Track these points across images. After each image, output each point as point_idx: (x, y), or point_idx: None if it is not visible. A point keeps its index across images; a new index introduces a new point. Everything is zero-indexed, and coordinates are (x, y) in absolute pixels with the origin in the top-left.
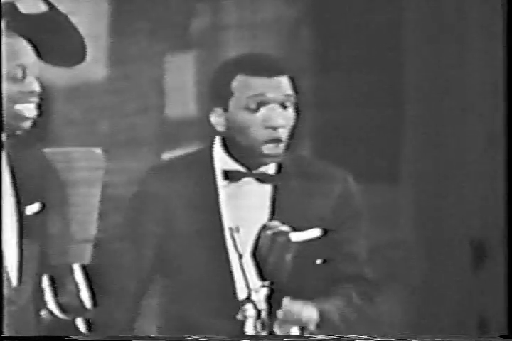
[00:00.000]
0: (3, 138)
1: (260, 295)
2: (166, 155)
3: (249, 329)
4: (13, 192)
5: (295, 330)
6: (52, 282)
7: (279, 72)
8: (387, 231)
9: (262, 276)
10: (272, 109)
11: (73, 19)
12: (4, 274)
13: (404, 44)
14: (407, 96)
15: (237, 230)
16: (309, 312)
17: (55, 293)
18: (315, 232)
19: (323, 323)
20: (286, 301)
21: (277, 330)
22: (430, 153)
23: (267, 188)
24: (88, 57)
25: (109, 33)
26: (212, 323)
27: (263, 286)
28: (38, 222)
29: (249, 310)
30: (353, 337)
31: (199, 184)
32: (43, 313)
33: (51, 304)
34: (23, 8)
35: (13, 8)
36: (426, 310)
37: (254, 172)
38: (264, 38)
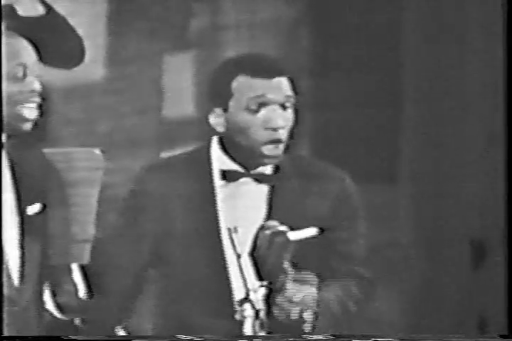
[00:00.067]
0: (3, 138)
1: (258, 295)
2: (165, 155)
3: (248, 329)
4: (13, 192)
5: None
6: (51, 282)
7: (279, 73)
8: (386, 231)
9: (260, 276)
10: (272, 110)
11: (71, 20)
12: (5, 274)
13: (404, 44)
14: (406, 97)
15: (236, 230)
16: (310, 293)
17: (54, 293)
18: (312, 231)
19: (323, 311)
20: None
21: (277, 313)
22: (430, 153)
23: (265, 188)
24: (86, 58)
25: (108, 33)
26: (210, 323)
27: (261, 286)
28: (39, 222)
29: (248, 310)
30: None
31: (196, 183)
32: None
33: (49, 304)
34: (21, 11)
35: (12, 10)
36: (426, 310)
37: (251, 172)
38: (263, 38)
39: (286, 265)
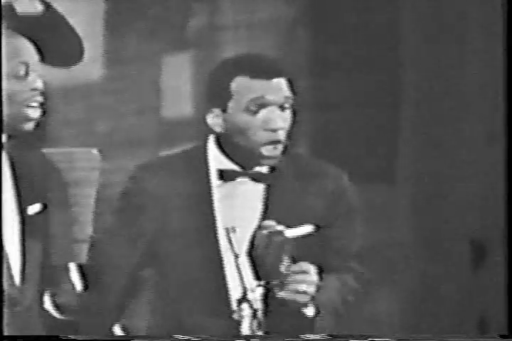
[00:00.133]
0: (4, 138)
1: (256, 294)
2: (161, 155)
3: (245, 329)
4: (14, 192)
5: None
6: (50, 282)
7: (278, 74)
8: (386, 231)
9: (257, 276)
10: (271, 111)
11: (70, 19)
12: (7, 273)
13: (404, 44)
14: (405, 97)
15: (234, 230)
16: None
17: (52, 293)
18: (308, 228)
19: (323, 301)
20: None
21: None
22: (429, 152)
23: (262, 187)
24: (85, 58)
25: (106, 33)
26: (207, 323)
27: (259, 286)
28: (40, 222)
29: (245, 309)
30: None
31: (193, 183)
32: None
33: (48, 304)
34: (20, 9)
35: (11, 9)
36: (426, 310)
37: (248, 171)
38: (262, 39)
39: (285, 261)
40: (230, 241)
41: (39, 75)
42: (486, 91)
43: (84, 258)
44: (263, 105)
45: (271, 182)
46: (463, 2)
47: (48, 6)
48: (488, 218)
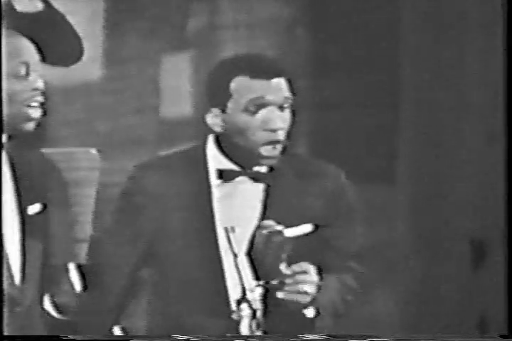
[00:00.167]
0: (4, 139)
1: (255, 294)
2: (164, 152)
3: (244, 329)
4: (14, 192)
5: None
6: (50, 281)
7: (277, 74)
8: (385, 230)
9: (257, 276)
10: (271, 111)
11: (69, 19)
12: (7, 273)
13: (403, 44)
14: (405, 97)
15: (233, 230)
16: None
17: (52, 293)
18: (307, 228)
19: (323, 301)
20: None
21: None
22: (429, 152)
23: (261, 187)
24: (84, 57)
25: (106, 32)
26: (206, 323)
27: (258, 286)
28: (40, 222)
29: (245, 309)
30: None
31: (192, 182)
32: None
33: (47, 304)
34: (20, 7)
35: (10, 6)
36: (425, 310)
37: (248, 171)
38: (261, 38)
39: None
40: (229, 241)
41: (40, 75)
42: (486, 91)
43: (83, 258)
44: (262, 105)
45: (270, 182)
46: (463, 2)
47: (47, 4)
48: (488, 218)
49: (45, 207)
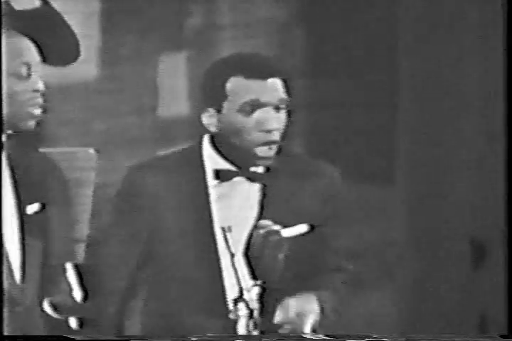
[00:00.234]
0: (3, 138)
1: (252, 294)
2: (157, 154)
3: (241, 329)
4: (13, 192)
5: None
6: (50, 281)
7: (273, 74)
8: (385, 230)
9: (254, 275)
10: (266, 111)
11: (66, 18)
12: (7, 273)
13: (402, 44)
14: (404, 97)
15: (230, 229)
16: (310, 303)
17: (49, 293)
18: (304, 228)
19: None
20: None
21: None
22: (429, 152)
23: (258, 187)
24: (81, 57)
25: (102, 32)
26: (204, 323)
27: (255, 285)
28: (40, 221)
29: (242, 309)
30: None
31: (189, 183)
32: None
33: (46, 303)
34: (17, 5)
35: (9, 7)
36: (425, 310)
37: (244, 171)
38: (258, 38)
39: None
40: (226, 241)
41: (40, 76)
42: (486, 91)
43: (81, 257)
44: (258, 106)
45: (267, 182)
46: (463, 2)
47: (45, 2)
48: (488, 218)
49: (44, 206)
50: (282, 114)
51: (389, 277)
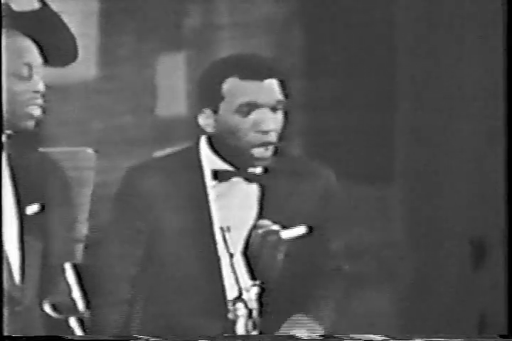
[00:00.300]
0: (3, 138)
1: (251, 294)
2: (156, 155)
3: (240, 329)
4: (13, 192)
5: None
6: (49, 281)
7: (270, 75)
8: (385, 230)
9: (253, 275)
10: (262, 113)
11: (64, 18)
12: (7, 273)
13: (401, 44)
14: (403, 97)
15: (229, 230)
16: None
17: (48, 293)
18: (303, 229)
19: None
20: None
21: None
22: (428, 152)
23: (256, 187)
24: (79, 57)
25: (100, 32)
26: (203, 323)
27: (254, 285)
28: (39, 221)
29: (241, 309)
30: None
31: (188, 183)
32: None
33: (45, 303)
34: (16, 6)
35: (8, 8)
36: (425, 310)
37: (242, 172)
38: (256, 38)
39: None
40: (224, 241)
41: (41, 77)
42: (486, 91)
43: (80, 257)
44: (254, 107)
45: (265, 182)
46: (463, 2)
47: (44, 3)
48: (488, 218)
49: (43, 206)
50: (279, 115)
51: (389, 277)
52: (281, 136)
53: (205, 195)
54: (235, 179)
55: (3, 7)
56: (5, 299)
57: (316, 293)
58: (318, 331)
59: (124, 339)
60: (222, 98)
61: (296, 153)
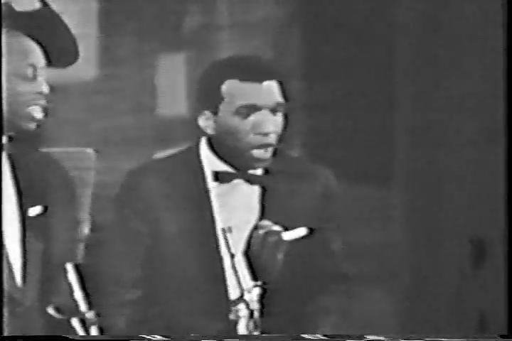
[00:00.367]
0: (4, 139)
1: (253, 295)
2: (156, 156)
3: (242, 330)
4: (15, 192)
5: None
6: (48, 282)
7: (269, 76)
8: (385, 230)
9: (254, 276)
10: (262, 114)
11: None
12: (8, 274)
13: (400, 45)
14: (402, 97)
15: (230, 230)
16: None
17: (50, 293)
18: (304, 231)
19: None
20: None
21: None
22: (428, 152)
23: (257, 189)
24: (79, 58)
25: (100, 32)
26: (204, 323)
27: (256, 286)
28: (41, 222)
29: (242, 310)
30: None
31: (189, 184)
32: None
33: (46, 304)
34: (18, 6)
35: (10, 8)
36: (425, 310)
37: (243, 173)
38: (257, 39)
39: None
40: (226, 242)
41: (45, 79)
42: (486, 91)
43: (81, 258)
44: (254, 109)
45: (266, 183)
46: (463, 2)
47: (44, 3)
48: (488, 218)
49: (46, 207)
50: (279, 117)
51: (388, 277)
52: (281, 138)
53: (207, 196)
54: (235, 181)
55: (5, 7)
56: (5, 299)
57: (317, 293)
58: (321, 331)
59: (124, 339)
60: (221, 99)
61: (296, 155)
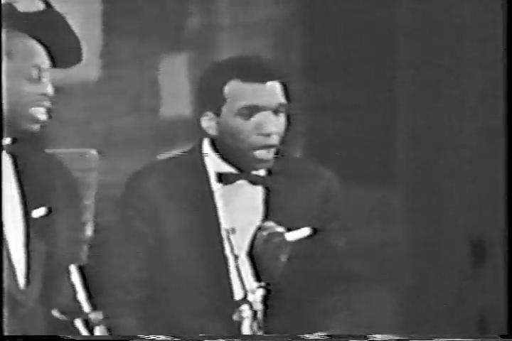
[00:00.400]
0: (8, 141)
1: (256, 295)
2: (159, 158)
3: (246, 330)
4: (19, 194)
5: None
6: (51, 283)
7: (271, 77)
8: (385, 231)
9: (258, 277)
10: (264, 115)
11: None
12: (10, 275)
13: (401, 45)
14: (403, 97)
15: (233, 231)
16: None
17: (53, 295)
18: (306, 231)
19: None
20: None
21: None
22: (428, 152)
23: (260, 190)
24: (82, 59)
25: (103, 34)
26: (208, 324)
27: (259, 287)
28: (45, 223)
29: (246, 310)
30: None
31: (193, 185)
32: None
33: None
34: (21, 7)
35: (11, 7)
36: (425, 310)
37: (246, 174)
38: (258, 40)
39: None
40: (229, 243)
41: (50, 80)
42: (486, 91)
43: (85, 259)
44: (256, 110)
45: (269, 184)
46: (463, 2)
47: (48, 5)
48: (488, 218)
49: (50, 209)
50: (281, 118)
51: (389, 277)
52: (283, 139)
53: (210, 197)
54: (239, 181)
55: (8, 8)
56: (8, 300)
57: (320, 294)
58: (322, 331)
59: (125, 339)
60: (224, 100)
61: (299, 156)
